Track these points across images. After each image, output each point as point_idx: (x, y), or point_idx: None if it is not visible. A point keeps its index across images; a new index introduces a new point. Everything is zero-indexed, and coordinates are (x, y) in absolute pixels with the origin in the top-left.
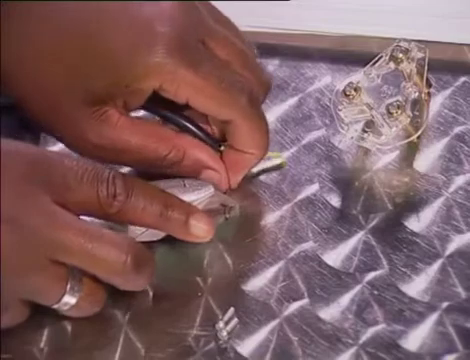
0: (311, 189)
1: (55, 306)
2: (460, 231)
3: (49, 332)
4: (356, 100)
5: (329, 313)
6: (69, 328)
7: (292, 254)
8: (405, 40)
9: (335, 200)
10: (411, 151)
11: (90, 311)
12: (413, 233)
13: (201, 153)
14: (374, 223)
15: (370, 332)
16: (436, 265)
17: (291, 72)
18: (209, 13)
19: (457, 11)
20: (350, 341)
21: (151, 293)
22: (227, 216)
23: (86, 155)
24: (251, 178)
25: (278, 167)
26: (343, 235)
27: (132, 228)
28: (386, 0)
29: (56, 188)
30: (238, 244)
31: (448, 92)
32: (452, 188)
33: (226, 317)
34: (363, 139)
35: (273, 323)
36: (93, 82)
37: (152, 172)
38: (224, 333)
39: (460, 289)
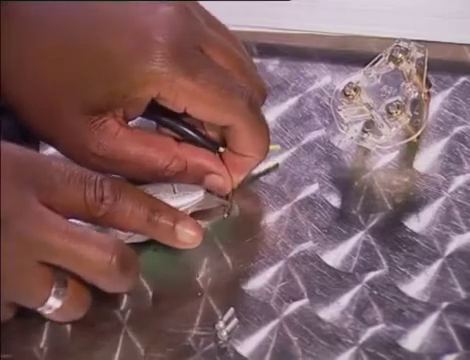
0: (311, 189)
1: (39, 309)
2: (460, 231)
3: (49, 332)
4: (356, 100)
5: (329, 313)
6: (69, 328)
7: (292, 254)
8: (405, 40)
9: (335, 200)
10: (411, 151)
11: (74, 315)
12: (413, 233)
13: (203, 159)
14: (374, 223)
15: (370, 332)
16: (436, 265)
17: (291, 72)
18: (205, 20)
19: (457, 11)
20: (350, 341)
21: (151, 293)
22: (226, 215)
23: (84, 165)
24: (249, 181)
25: (274, 168)
26: (343, 235)
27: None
28: (386, 0)
29: (43, 189)
30: (238, 244)
31: (448, 92)
32: (452, 188)
33: (226, 317)
34: (363, 139)
35: (273, 323)
36: (91, 90)
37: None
38: (224, 333)
39: (460, 289)
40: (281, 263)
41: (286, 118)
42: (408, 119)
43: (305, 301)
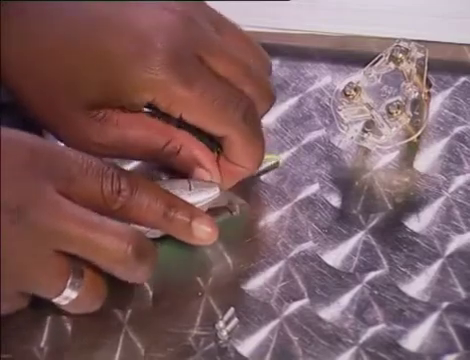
0: (311, 189)
1: (55, 300)
2: (460, 231)
3: (49, 331)
4: (356, 100)
5: (329, 313)
6: (69, 327)
7: (292, 254)
8: (405, 40)
9: (335, 200)
10: (411, 151)
11: (90, 308)
12: (413, 233)
13: (197, 150)
14: (374, 223)
15: (370, 332)
16: (436, 265)
17: (291, 72)
18: (212, 23)
19: (457, 11)
20: (350, 341)
21: (151, 293)
22: (234, 213)
23: (87, 152)
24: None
25: (274, 167)
26: (343, 235)
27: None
28: (386, 0)
29: (60, 179)
30: (238, 244)
31: (448, 92)
32: (452, 188)
33: (226, 317)
34: (363, 139)
35: (273, 323)
36: (90, 89)
37: (157, 173)
38: (224, 333)
39: (460, 289)
40: (281, 263)
41: (286, 118)
42: (408, 119)
43: (305, 301)
